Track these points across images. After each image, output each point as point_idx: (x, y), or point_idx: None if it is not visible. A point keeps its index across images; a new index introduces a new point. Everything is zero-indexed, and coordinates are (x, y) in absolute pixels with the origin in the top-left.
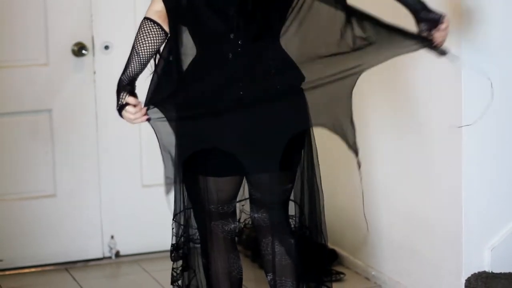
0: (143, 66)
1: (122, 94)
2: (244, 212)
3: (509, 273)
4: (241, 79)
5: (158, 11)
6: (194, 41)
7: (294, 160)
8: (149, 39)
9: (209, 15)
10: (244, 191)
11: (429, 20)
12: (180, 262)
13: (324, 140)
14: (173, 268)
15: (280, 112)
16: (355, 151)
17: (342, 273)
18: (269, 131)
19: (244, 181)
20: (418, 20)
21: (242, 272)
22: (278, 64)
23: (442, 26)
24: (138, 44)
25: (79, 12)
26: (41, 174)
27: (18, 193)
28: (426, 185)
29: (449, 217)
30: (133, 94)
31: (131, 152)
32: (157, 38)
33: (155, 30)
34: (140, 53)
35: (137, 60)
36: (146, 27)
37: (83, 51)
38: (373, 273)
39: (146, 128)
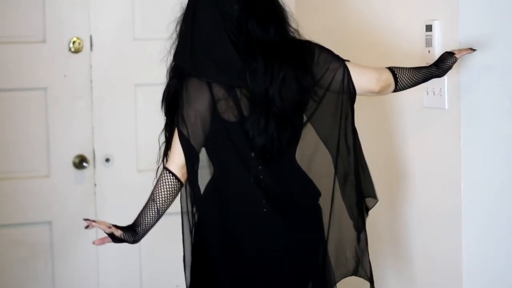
0: (159, 213)
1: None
2: None
3: None
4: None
5: (178, 165)
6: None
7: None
8: (165, 189)
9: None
10: None
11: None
12: None
13: None
14: None
15: (302, 246)
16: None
17: None
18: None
19: None
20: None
21: None
22: (298, 183)
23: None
24: (155, 193)
25: (80, 125)
26: None
27: None
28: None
29: None
30: (122, 229)
31: (131, 268)
32: (174, 188)
33: (172, 182)
34: (157, 201)
35: (152, 206)
36: (164, 178)
37: (84, 164)
38: None
39: (145, 241)
